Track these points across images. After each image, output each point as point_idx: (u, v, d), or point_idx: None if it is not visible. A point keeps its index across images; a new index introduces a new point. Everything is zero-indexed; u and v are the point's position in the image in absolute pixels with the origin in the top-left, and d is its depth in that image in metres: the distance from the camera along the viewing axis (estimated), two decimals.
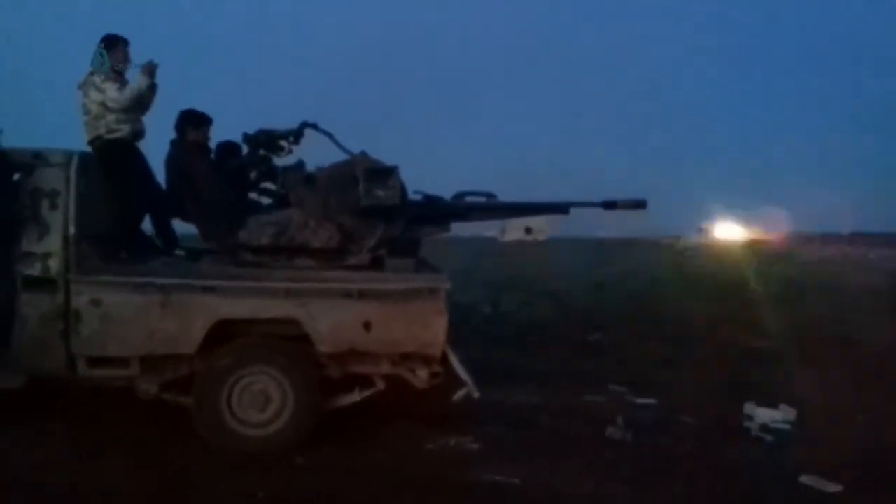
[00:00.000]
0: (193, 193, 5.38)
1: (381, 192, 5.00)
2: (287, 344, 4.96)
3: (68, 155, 4.89)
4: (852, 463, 4.96)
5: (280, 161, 5.45)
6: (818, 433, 5.64)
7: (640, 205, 5.65)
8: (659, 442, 5.42)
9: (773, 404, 6.12)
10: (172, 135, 5.60)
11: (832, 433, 5.63)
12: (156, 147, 5.60)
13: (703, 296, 15.05)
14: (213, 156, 5.79)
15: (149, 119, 5.45)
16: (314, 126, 5.41)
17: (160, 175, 5.59)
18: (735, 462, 5.06)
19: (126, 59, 5.27)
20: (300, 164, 5.41)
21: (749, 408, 6.12)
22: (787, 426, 5.82)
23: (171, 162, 5.54)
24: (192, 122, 5.60)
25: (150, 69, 5.20)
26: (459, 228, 5.98)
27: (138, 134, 5.34)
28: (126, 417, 5.19)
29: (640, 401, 6.53)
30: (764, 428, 5.77)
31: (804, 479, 4.66)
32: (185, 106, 5.68)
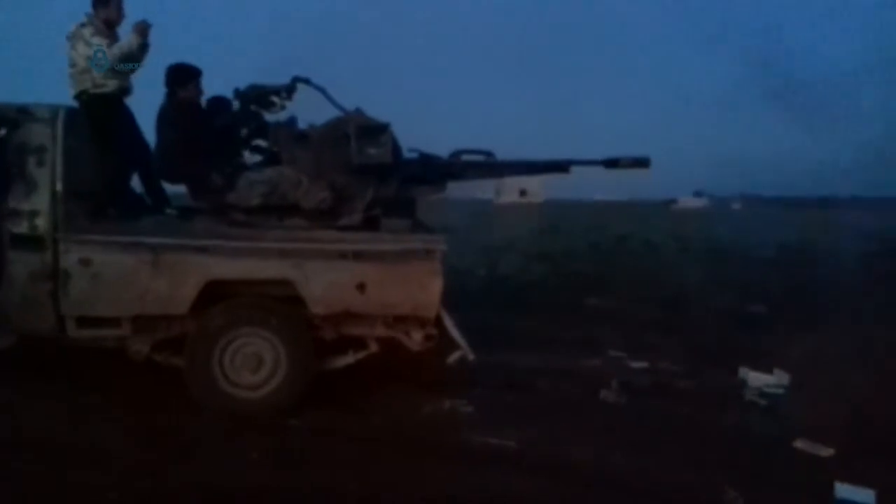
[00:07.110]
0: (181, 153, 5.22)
1: (373, 151, 4.88)
2: (280, 305, 4.88)
3: (54, 110, 4.75)
4: (845, 427, 4.95)
5: (272, 117, 5.30)
6: (811, 397, 5.64)
7: (642, 163, 5.47)
8: (654, 406, 5.40)
9: (767, 368, 6.13)
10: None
11: (825, 397, 5.64)
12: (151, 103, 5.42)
13: (698, 259, 15.07)
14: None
15: (143, 74, 5.30)
16: (306, 81, 5.21)
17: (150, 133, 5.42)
18: (729, 426, 5.05)
19: (120, 14, 5.09)
20: (291, 121, 5.26)
21: (743, 372, 6.13)
22: (780, 390, 5.83)
23: (160, 120, 5.37)
24: (178, 80, 5.29)
25: (143, 29, 5.03)
26: (453, 190, 5.86)
27: (126, 90, 5.19)
28: (118, 378, 5.14)
29: (635, 364, 6.52)
30: (758, 392, 5.77)
31: (798, 443, 4.66)
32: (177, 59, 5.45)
